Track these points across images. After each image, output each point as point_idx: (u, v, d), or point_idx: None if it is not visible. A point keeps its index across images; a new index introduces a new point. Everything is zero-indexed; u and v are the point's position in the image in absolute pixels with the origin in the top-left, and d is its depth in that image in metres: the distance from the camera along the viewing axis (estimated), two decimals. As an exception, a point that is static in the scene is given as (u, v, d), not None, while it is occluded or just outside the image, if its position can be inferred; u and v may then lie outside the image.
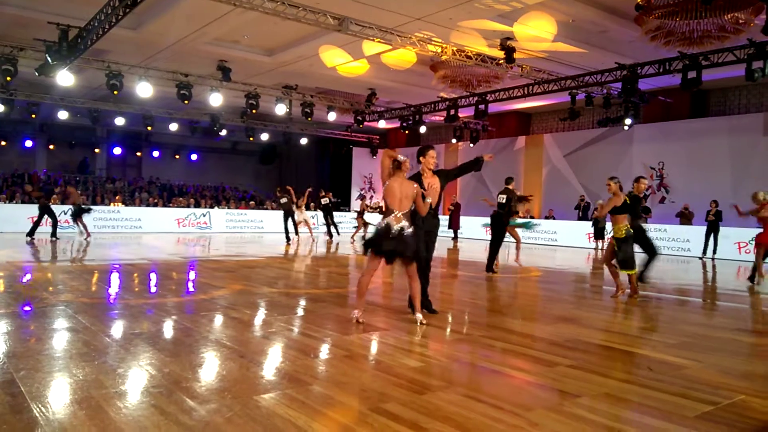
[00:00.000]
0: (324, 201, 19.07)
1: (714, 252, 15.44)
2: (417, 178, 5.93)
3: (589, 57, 14.19)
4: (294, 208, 17.09)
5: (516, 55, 13.09)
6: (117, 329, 5.22)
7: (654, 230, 17.56)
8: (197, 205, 23.25)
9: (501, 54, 13.07)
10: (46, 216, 15.33)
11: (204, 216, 21.34)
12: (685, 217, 17.06)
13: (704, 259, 15.38)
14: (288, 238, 16.73)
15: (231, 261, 11.66)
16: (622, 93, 14.79)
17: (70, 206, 16.19)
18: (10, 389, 3.42)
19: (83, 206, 16.26)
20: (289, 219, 16.83)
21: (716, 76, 14.79)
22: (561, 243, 19.35)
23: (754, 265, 10.10)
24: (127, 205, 22.53)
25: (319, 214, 20.44)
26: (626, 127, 17.95)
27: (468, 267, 11.94)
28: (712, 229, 15.27)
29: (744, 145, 16.41)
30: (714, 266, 13.96)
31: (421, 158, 6.02)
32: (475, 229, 21.12)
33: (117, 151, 27.70)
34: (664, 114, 18.22)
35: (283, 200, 16.96)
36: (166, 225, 20.56)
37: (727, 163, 16.72)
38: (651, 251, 8.45)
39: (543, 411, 3.36)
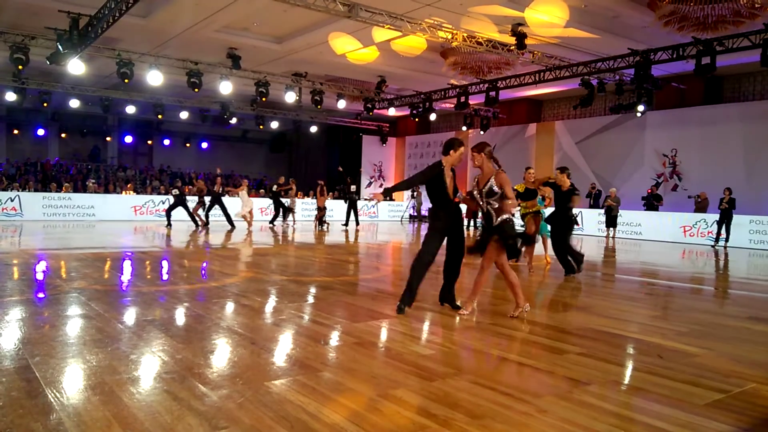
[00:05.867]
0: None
1: (726, 240, 15.29)
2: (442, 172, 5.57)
3: (601, 43, 14.03)
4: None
5: (527, 41, 12.98)
6: (130, 316, 5.28)
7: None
8: (208, 193, 23.09)
9: (512, 40, 12.96)
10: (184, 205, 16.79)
11: (164, 203, 19.97)
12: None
13: (716, 248, 15.25)
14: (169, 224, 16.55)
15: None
16: (635, 79, 14.62)
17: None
18: (26, 375, 3.47)
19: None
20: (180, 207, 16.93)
21: (731, 62, 14.57)
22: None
23: None
24: (138, 193, 22.56)
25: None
26: (639, 114, 17.75)
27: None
28: (725, 217, 15.11)
29: (758, 132, 16.19)
30: (726, 254, 13.85)
31: (451, 151, 5.56)
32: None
33: (128, 139, 27.85)
34: (677, 100, 18.01)
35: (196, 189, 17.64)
36: (120, 213, 19.52)
37: (740, 150, 16.53)
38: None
39: (552, 398, 3.37)
